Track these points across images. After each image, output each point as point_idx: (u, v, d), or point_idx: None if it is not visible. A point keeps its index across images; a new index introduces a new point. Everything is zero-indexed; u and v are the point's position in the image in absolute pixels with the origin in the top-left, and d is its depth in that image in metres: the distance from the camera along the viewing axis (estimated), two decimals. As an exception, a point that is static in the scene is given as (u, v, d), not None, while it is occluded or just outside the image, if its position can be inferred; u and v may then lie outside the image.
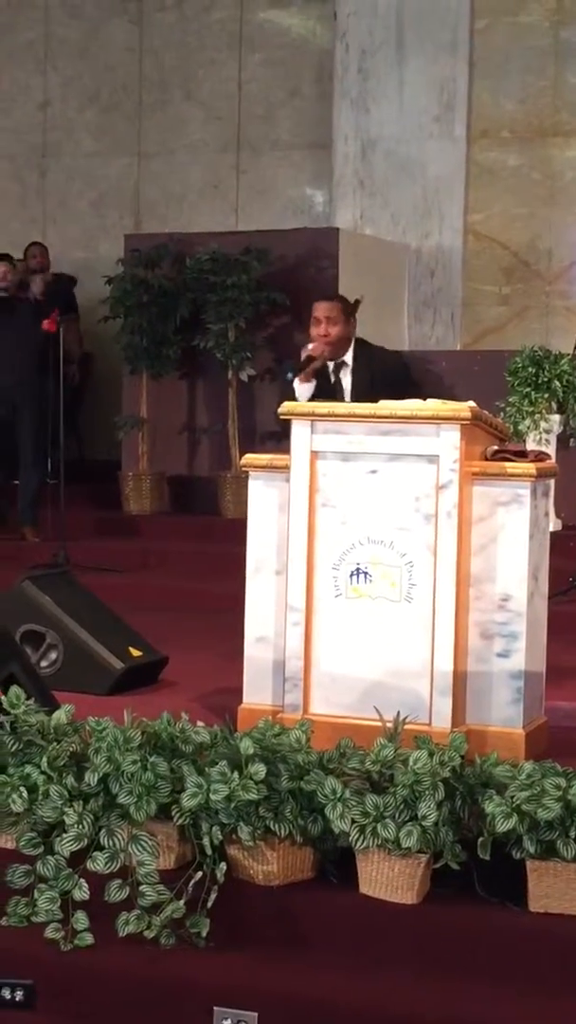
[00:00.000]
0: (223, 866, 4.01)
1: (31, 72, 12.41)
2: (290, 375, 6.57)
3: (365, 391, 6.19)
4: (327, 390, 6.53)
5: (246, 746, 4.10)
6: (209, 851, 4.02)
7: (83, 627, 6.31)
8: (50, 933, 4.01)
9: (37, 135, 12.45)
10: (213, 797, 4.01)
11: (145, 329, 10.30)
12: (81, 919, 4.02)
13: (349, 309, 6.64)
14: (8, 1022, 3.87)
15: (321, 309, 6.57)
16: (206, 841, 4.04)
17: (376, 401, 5.80)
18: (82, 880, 4.06)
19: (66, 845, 4.10)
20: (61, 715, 4.44)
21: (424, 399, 4.95)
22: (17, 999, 3.89)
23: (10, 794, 4.18)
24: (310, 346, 6.56)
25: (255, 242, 10.32)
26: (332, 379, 6.55)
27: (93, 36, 12.22)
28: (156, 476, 10.47)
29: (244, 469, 5.35)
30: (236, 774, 4.04)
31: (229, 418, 10.20)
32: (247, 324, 10.16)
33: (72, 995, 3.90)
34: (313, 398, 6.46)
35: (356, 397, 6.26)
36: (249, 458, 5.35)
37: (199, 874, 4.01)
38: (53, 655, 6.27)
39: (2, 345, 9.77)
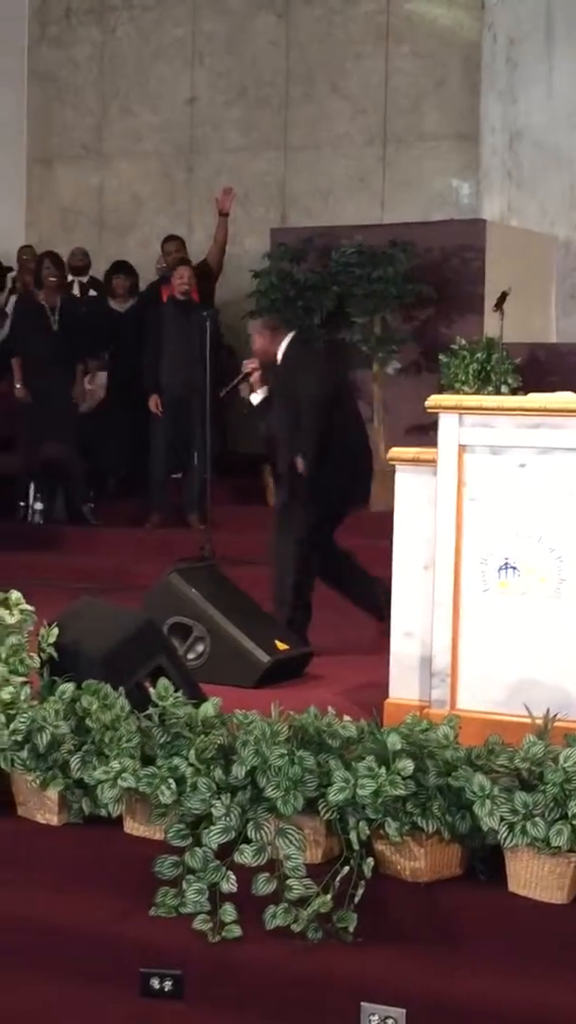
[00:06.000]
0: (370, 861, 4.00)
1: (179, 69, 12.48)
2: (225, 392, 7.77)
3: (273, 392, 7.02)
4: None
5: (393, 741, 4.08)
6: (356, 846, 4.01)
7: (230, 620, 6.34)
8: (198, 924, 4.03)
9: (184, 131, 12.53)
10: (360, 792, 4.00)
11: (291, 323, 10.30)
12: (229, 911, 4.04)
13: (271, 323, 7.26)
14: (158, 1011, 3.90)
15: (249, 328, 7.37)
16: (353, 836, 4.03)
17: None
18: (230, 872, 4.09)
19: (214, 837, 4.13)
20: (209, 708, 4.46)
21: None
22: (166, 989, 3.92)
23: (159, 786, 4.22)
24: (244, 363, 7.30)
25: (401, 235, 10.26)
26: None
27: (240, 31, 12.25)
28: (301, 469, 10.48)
29: (391, 463, 5.33)
30: (383, 769, 4.02)
31: (375, 411, 10.17)
32: (393, 317, 10.12)
33: (220, 986, 3.92)
34: (268, 400, 7.10)
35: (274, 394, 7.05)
36: (396, 451, 5.33)
37: (346, 869, 4.01)
38: (200, 647, 6.31)
39: (179, 345, 9.90)
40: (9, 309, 11.36)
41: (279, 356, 7.02)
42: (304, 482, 6.84)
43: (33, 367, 10.36)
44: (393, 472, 5.30)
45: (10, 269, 11.96)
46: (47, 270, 10.51)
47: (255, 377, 7.10)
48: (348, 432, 7.12)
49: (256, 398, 7.14)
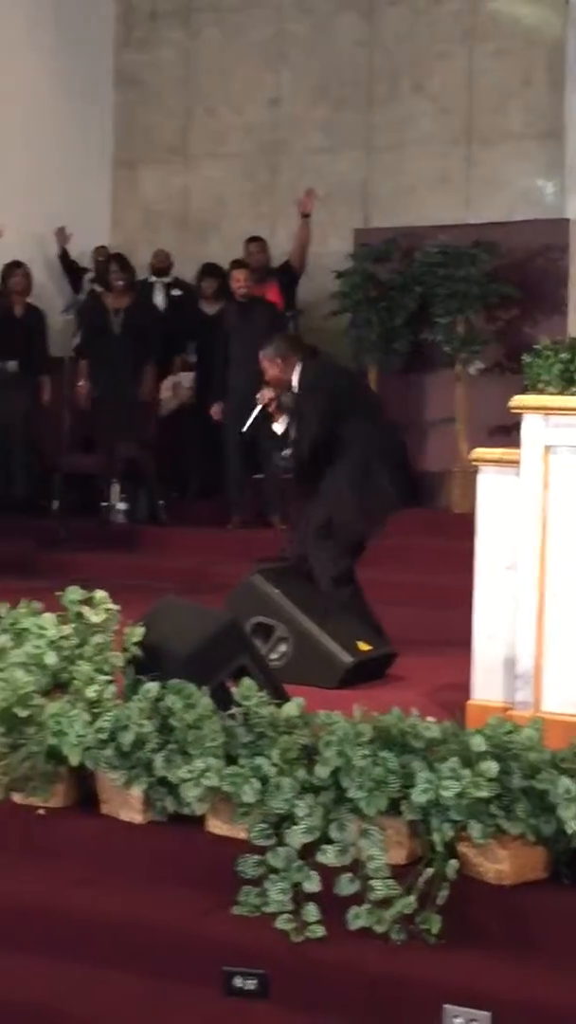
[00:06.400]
0: (454, 863, 3.98)
1: (262, 70, 12.49)
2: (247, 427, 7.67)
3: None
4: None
5: (477, 743, 4.07)
6: (440, 848, 4.00)
7: (312, 620, 6.34)
8: (281, 924, 4.04)
9: (268, 132, 12.53)
10: (444, 794, 3.98)
11: (373, 323, 10.31)
12: (312, 911, 4.04)
13: (281, 351, 7.09)
14: (241, 1011, 3.91)
15: (260, 358, 7.18)
16: (436, 838, 4.01)
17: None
18: (313, 872, 4.08)
19: (297, 837, 4.13)
20: (292, 708, 4.47)
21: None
22: (249, 988, 3.93)
23: (242, 785, 4.23)
24: (258, 396, 7.20)
25: (484, 234, 10.24)
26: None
27: (323, 32, 12.23)
28: (383, 470, 10.45)
29: (474, 463, 5.31)
30: (467, 771, 4.01)
31: (457, 412, 10.14)
32: (476, 317, 10.09)
33: (304, 986, 3.91)
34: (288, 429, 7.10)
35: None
36: (479, 452, 5.31)
37: (429, 871, 3.99)
38: (283, 648, 6.32)
39: (243, 345, 9.93)
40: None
41: (294, 384, 7.00)
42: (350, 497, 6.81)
43: (99, 369, 10.48)
44: (474, 473, 5.28)
45: (87, 270, 12.07)
46: (114, 273, 10.62)
47: (273, 407, 7.10)
48: (386, 446, 7.08)
49: (279, 427, 7.14)
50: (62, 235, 11.91)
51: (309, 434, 6.87)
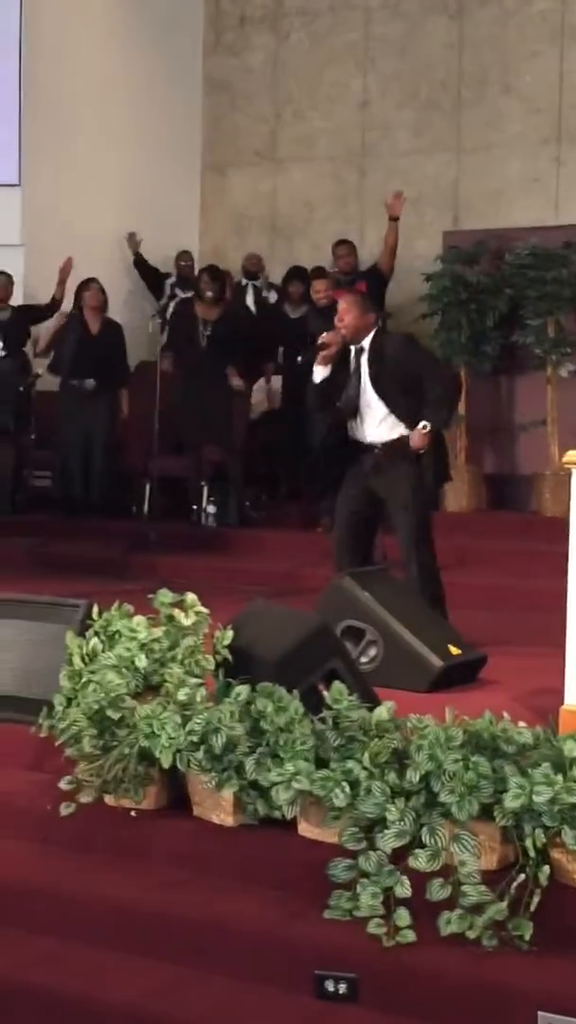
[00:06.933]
0: (546, 869, 3.95)
1: (351, 73, 12.50)
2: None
3: (378, 373, 6.85)
4: (348, 373, 6.97)
5: (571, 748, 4.04)
6: (532, 853, 3.97)
7: (402, 624, 6.32)
8: (372, 928, 4.03)
9: (356, 135, 12.54)
10: (536, 799, 3.96)
11: (463, 326, 10.27)
12: (403, 916, 4.03)
13: (366, 303, 7.06)
14: (332, 1014, 3.90)
15: (340, 301, 7.12)
16: (529, 843, 3.98)
17: (388, 382, 6.62)
18: (404, 877, 4.07)
19: (388, 841, 4.12)
20: (383, 711, 4.46)
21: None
22: (341, 992, 3.92)
23: (332, 789, 4.22)
24: (324, 335, 7.06)
25: (575, 236, 10.16)
26: (353, 364, 6.95)
27: (413, 34, 12.21)
28: (474, 473, 10.42)
29: (567, 466, 5.25)
30: (560, 776, 3.97)
31: (548, 415, 10.07)
32: (567, 319, 10.02)
33: (395, 991, 3.90)
34: (332, 379, 6.95)
35: (372, 378, 6.87)
36: (572, 455, 5.25)
37: (522, 876, 3.97)
38: (373, 651, 6.30)
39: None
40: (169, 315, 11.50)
41: (366, 342, 6.93)
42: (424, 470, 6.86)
43: (186, 375, 10.53)
44: (566, 476, 5.23)
45: (168, 275, 12.13)
46: (204, 284, 10.63)
47: (329, 351, 6.95)
48: None
49: (320, 374, 7.01)
50: (132, 241, 11.99)
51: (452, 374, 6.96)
